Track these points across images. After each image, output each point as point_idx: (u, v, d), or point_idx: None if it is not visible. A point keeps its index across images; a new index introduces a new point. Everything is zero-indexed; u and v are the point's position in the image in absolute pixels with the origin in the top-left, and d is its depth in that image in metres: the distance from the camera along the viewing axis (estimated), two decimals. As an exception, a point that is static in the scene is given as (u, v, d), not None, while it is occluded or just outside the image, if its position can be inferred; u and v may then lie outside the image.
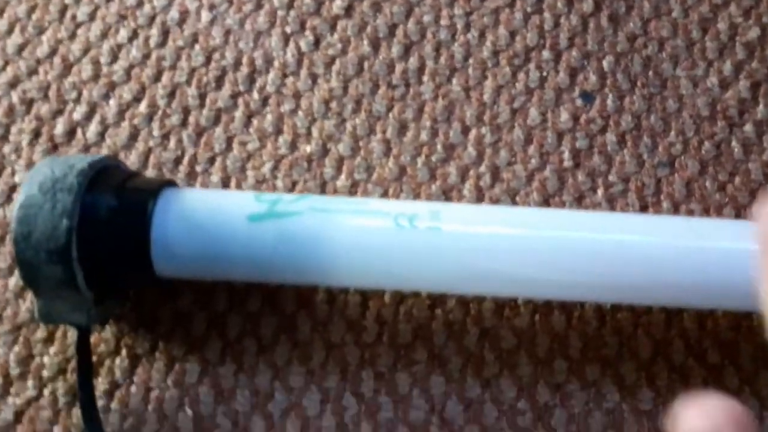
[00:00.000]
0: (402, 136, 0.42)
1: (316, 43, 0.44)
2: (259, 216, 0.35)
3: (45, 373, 0.37)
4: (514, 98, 0.43)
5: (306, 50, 0.44)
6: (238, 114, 0.42)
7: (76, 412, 0.36)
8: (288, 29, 0.44)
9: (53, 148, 0.42)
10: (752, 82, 0.43)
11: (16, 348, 0.38)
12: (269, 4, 0.45)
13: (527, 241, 0.35)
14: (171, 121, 0.42)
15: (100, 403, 0.37)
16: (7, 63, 0.43)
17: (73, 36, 0.44)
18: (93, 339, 0.37)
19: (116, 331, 0.38)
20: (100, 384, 0.37)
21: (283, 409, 0.37)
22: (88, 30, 0.44)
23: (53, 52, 0.44)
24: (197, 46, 0.44)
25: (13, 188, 0.41)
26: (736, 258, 0.34)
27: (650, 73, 0.43)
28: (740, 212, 0.40)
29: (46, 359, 0.38)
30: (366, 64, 0.43)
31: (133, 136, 0.42)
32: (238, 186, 0.41)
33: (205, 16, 0.44)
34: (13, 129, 0.42)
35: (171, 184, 0.37)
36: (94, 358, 0.37)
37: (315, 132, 0.42)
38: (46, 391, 0.37)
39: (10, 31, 0.44)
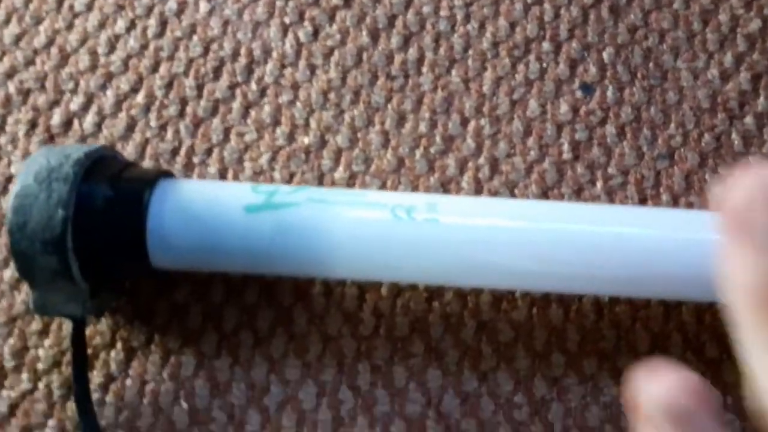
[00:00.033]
0: (400, 127, 0.42)
1: (315, 33, 0.44)
2: (256, 207, 0.35)
3: (40, 366, 0.37)
4: (513, 90, 0.42)
5: (304, 41, 0.43)
6: (236, 105, 0.42)
7: (71, 405, 0.36)
8: (286, 20, 0.44)
9: (50, 138, 0.41)
10: (753, 74, 0.42)
11: (11, 340, 0.38)
12: (267, -6, 0.44)
13: (526, 233, 0.35)
14: (168, 112, 0.42)
15: (95, 396, 0.36)
16: (3, 53, 0.43)
17: (70, 26, 0.44)
18: (88, 331, 0.37)
19: (111, 323, 0.38)
20: (95, 377, 0.37)
21: (279, 403, 0.37)
22: (86, 20, 0.44)
23: (50, 42, 0.43)
24: (195, 37, 0.43)
25: (9, 179, 0.41)
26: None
27: (650, 64, 0.43)
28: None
29: (41, 352, 0.37)
30: (365, 55, 0.43)
31: (130, 127, 0.42)
32: (236, 177, 0.41)
33: (204, 6, 0.44)
34: (10, 119, 0.42)
35: (168, 174, 0.37)
36: (90, 351, 0.37)
37: (313, 123, 0.42)
38: (41, 384, 0.37)
39: (7, 21, 0.44)
